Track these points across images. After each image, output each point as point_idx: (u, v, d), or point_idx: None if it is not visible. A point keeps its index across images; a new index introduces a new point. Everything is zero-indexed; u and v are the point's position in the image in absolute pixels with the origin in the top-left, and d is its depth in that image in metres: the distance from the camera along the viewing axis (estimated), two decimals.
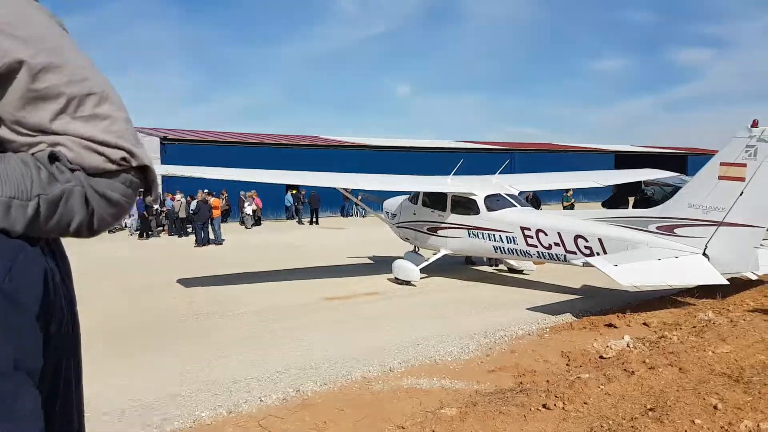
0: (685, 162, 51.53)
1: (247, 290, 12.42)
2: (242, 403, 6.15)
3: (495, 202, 12.25)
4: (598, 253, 9.91)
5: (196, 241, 21.47)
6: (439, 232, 13.10)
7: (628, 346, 7.40)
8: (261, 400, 6.19)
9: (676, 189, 16.88)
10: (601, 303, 10.29)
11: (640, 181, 20.23)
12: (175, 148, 31.30)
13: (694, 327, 8.07)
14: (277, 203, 32.30)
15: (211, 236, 21.80)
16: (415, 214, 13.77)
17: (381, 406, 5.95)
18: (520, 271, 13.73)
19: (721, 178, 8.90)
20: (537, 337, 8.33)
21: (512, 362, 7.24)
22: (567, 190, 21.55)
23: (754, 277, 9.47)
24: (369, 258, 16.92)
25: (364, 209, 23.28)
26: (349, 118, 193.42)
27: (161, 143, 31.26)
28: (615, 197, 16.83)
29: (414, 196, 13.91)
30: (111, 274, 15.28)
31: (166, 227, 25.75)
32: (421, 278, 12.75)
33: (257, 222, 29.31)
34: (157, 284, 13.45)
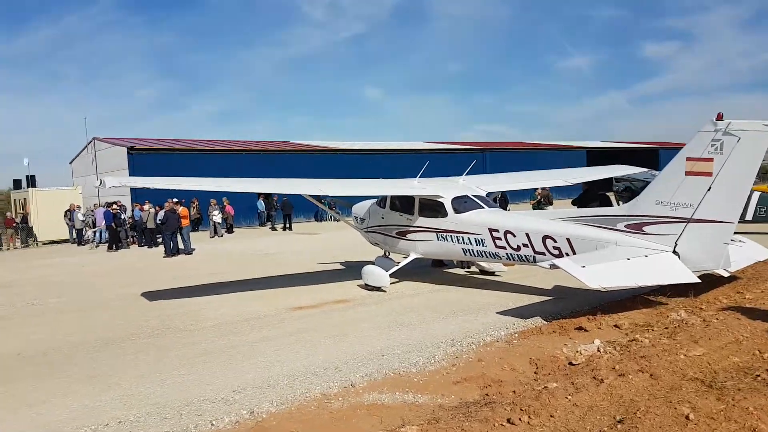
0: (656, 156, 52.17)
1: (212, 302, 11.99)
2: (192, 427, 5.75)
3: (462, 204, 11.97)
4: (567, 254, 9.66)
5: (165, 251, 20.95)
6: (408, 236, 12.79)
7: (598, 350, 7.14)
8: (212, 424, 5.80)
9: (646, 184, 16.78)
10: (572, 305, 10.03)
11: (611, 178, 20.15)
12: (143, 158, 30.71)
13: (666, 328, 7.85)
14: (249, 210, 31.82)
15: (181, 246, 21.30)
16: (383, 218, 13.44)
17: (338, 427, 5.60)
18: (492, 273, 13.48)
19: (687, 173, 8.69)
20: (505, 344, 8.03)
21: (479, 372, 6.93)
22: (536, 189, 21.42)
23: (726, 274, 9.29)
24: (341, 264, 16.56)
25: (333, 213, 22.85)
26: (322, 121, 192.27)
27: (129, 153, 30.66)
28: (586, 194, 16.63)
29: (382, 200, 13.57)
30: (75, 289, 14.77)
31: (135, 238, 25.14)
32: (391, 283, 12.44)
33: (229, 229, 28.79)
34: (121, 298, 12.99)
